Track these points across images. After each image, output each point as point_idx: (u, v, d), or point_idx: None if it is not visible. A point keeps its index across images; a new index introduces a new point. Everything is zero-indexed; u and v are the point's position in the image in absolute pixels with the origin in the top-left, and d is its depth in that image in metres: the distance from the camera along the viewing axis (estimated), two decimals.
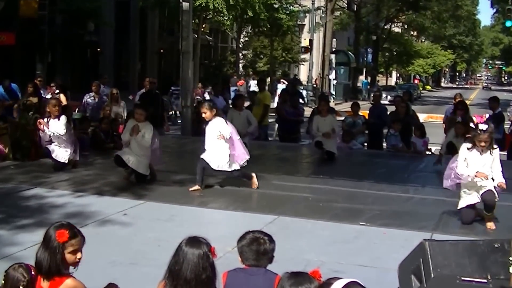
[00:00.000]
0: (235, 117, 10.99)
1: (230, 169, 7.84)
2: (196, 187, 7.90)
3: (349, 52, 45.40)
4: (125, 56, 32.89)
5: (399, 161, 11.25)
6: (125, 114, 12.61)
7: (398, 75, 73.02)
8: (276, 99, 26.10)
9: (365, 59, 51.77)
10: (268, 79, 34.26)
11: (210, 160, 7.81)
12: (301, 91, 21.43)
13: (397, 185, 8.84)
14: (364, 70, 51.65)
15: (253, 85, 32.07)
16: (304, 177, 9.39)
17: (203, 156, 7.91)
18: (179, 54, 15.23)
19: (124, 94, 13.97)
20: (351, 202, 7.72)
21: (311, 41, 35.52)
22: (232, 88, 27.08)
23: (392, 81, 69.04)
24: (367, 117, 13.08)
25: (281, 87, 27.13)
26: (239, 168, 7.94)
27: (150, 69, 33.44)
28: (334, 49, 40.16)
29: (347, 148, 12.13)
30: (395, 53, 56.95)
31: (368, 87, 45.00)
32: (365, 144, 13.05)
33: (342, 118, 13.67)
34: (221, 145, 7.78)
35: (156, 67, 34.90)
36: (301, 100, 15.41)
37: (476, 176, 6.46)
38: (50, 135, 9.02)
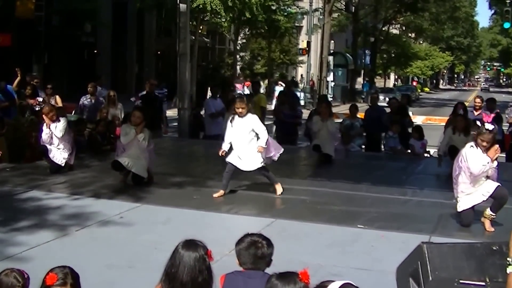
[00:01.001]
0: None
1: (260, 166, 7.77)
2: (221, 192, 7.86)
3: (347, 54, 45.53)
4: (122, 58, 32.90)
5: (397, 163, 11.26)
6: (122, 116, 12.60)
7: (396, 77, 73.11)
8: (274, 101, 26.07)
9: (363, 61, 51.80)
10: (266, 81, 34.31)
11: (239, 163, 7.77)
12: (297, 93, 21.44)
13: (395, 188, 8.84)
14: (362, 72, 51.68)
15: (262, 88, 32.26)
16: (302, 179, 9.39)
17: (230, 159, 7.84)
18: (177, 56, 15.24)
19: (121, 97, 13.95)
20: (349, 204, 7.73)
21: (308, 43, 35.63)
22: (238, 91, 27.10)
23: (390, 83, 69.06)
24: (364, 119, 13.14)
25: (278, 89, 27.13)
26: (266, 167, 7.88)
27: (148, 70, 33.45)
28: (332, 51, 40.27)
29: (345, 150, 12.14)
30: (393, 54, 57.03)
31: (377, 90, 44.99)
32: (363, 146, 13.08)
33: (340, 120, 13.68)
34: (253, 142, 7.78)
35: (154, 68, 34.93)
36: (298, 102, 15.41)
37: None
38: (49, 136, 8.96)
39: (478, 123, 9.25)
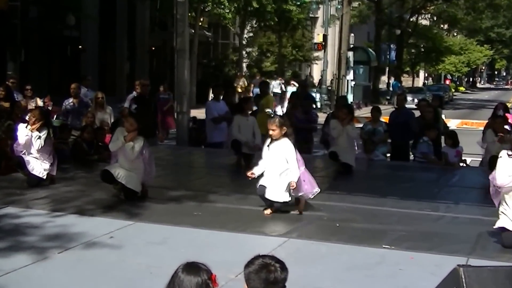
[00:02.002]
0: (243, 125, 11.17)
1: (287, 200, 7.83)
2: (269, 210, 7.88)
3: (369, 49, 45.53)
4: (111, 55, 33.06)
5: (428, 174, 11.26)
6: (111, 121, 12.66)
7: (426, 74, 73.06)
8: (286, 104, 26.13)
9: (388, 56, 51.85)
10: (277, 81, 34.35)
11: (266, 191, 7.78)
12: (313, 94, 21.47)
13: (425, 202, 8.84)
14: (387, 69, 51.68)
15: (276, 86, 32.43)
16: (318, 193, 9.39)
17: (263, 182, 7.83)
18: (173, 53, 15.30)
19: (110, 99, 14.05)
20: (372, 221, 7.73)
21: (325, 37, 35.69)
22: (255, 90, 27.25)
23: (419, 82, 69.06)
24: (388, 124, 13.17)
25: (291, 90, 27.20)
26: (290, 199, 7.91)
27: (140, 69, 33.59)
28: (351, 46, 40.24)
29: (367, 160, 12.14)
30: (422, 49, 57.03)
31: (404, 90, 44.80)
32: (388, 154, 13.10)
33: (361, 125, 13.71)
34: (286, 174, 7.81)
35: (147, 67, 35.05)
36: (313, 105, 15.44)
37: None
38: (28, 138, 8.94)
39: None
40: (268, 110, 8.05)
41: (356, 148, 11.41)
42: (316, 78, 42.71)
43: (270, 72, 38.36)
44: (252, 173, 7.86)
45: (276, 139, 7.83)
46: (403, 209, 8.40)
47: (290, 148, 7.79)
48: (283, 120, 8.09)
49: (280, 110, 8.69)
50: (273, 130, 7.80)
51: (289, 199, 7.86)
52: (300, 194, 7.92)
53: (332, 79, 37.69)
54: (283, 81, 33.14)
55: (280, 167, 7.80)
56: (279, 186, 7.80)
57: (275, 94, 32.75)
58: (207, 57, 39.51)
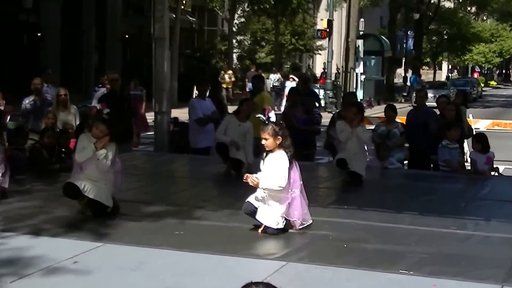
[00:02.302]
0: (232, 128, 11.22)
1: (274, 227, 7.82)
2: (262, 228, 7.89)
3: (382, 37, 45.71)
4: (77, 44, 33.03)
5: (453, 184, 11.29)
6: (77, 123, 12.64)
7: (450, 67, 73.39)
8: (284, 102, 26.27)
9: (405, 45, 52.03)
10: (276, 76, 34.45)
11: (259, 212, 7.79)
12: (315, 90, 21.48)
13: (450, 218, 8.83)
14: (403, 60, 51.82)
15: (275, 80, 32.44)
16: (322, 207, 9.40)
17: (252, 200, 7.86)
18: (151, 41, 15.30)
19: (75, 97, 14.04)
20: (387, 241, 7.72)
21: (330, 22, 35.77)
22: (249, 85, 27.31)
23: (442, 75, 69.33)
24: (405, 125, 13.26)
25: (289, 85, 27.23)
26: (283, 227, 7.89)
27: (111, 61, 33.59)
28: (361, 33, 40.43)
29: (381, 168, 12.15)
30: (445, 36, 57.24)
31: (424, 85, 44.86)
32: (406, 162, 13.14)
33: (373, 127, 13.72)
34: (277, 195, 7.79)
35: (120, 58, 35.07)
36: (316, 104, 15.46)
37: None
38: None
39: None
40: (259, 116, 8.00)
41: (368, 154, 11.42)
42: (318, 71, 42.80)
43: (265, 64, 38.45)
44: (252, 180, 7.76)
45: (270, 151, 7.85)
46: (424, 227, 8.39)
47: (283, 164, 7.73)
48: (279, 128, 7.97)
49: (273, 115, 8.64)
50: (265, 139, 7.82)
51: (276, 228, 7.81)
52: (291, 219, 7.90)
53: (336, 72, 37.75)
54: (281, 75, 33.25)
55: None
56: (268, 210, 7.80)
57: (274, 89, 32.91)
58: (191, 46, 39.63)
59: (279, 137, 7.80)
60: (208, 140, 12.88)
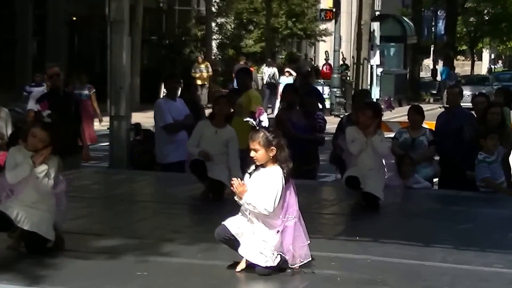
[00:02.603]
0: (208, 137, 11.31)
1: (262, 264, 7.69)
2: (242, 265, 7.78)
3: (405, 19, 45.80)
4: (8, 28, 32.90)
5: (496, 209, 11.31)
6: (9, 132, 12.59)
7: (493, 56, 73.52)
8: (277, 103, 26.23)
9: (434, 29, 52.08)
10: (268, 70, 34.46)
11: (242, 246, 7.66)
12: (318, 87, 21.53)
13: (493, 253, 8.84)
14: (432, 49, 51.90)
15: (269, 74, 32.36)
16: (327, 239, 9.41)
17: (230, 223, 7.75)
18: (106, 25, 15.27)
19: (5, 98, 13.95)
20: (413, 283, 7.72)
21: (337, 1, 35.80)
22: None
23: (483, 67, 69.55)
24: (435, 131, 13.29)
25: (285, 81, 27.25)
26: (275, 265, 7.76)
27: (54, 50, 33.42)
28: (378, 14, 40.48)
29: (403, 188, 12.17)
30: (486, 17, 57.30)
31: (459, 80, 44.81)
32: (435, 179, 13.20)
33: (393, 134, 13.78)
34: (267, 223, 7.70)
35: (66, 47, 34.93)
36: (319, 105, 15.48)
37: None
38: None
39: None
40: (248, 119, 7.91)
41: (386, 170, 11.43)
42: (322, 63, 42.83)
43: (254, 54, 38.40)
44: (238, 185, 7.64)
45: (261, 166, 7.72)
46: (460, 265, 8.37)
47: (274, 183, 7.57)
48: (273, 136, 7.79)
49: (266, 119, 8.57)
50: (255, 150, 7.69)
51: (274, 263, 7.70)
52: (285, 252, 7.76)
53: (342, 64, 37.57)
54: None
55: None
56: (254, 240, 7.67)
57: (269, 87, 32.81)
58: (158, 32, 39.56)
59: (273, 147, 7.61)
60: (179, 152, 12.91)
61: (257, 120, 7.78)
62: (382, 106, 11.87)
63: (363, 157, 10.84)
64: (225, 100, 11.95)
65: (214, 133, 11.25)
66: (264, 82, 33.43)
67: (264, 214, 7.55)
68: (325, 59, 40.11)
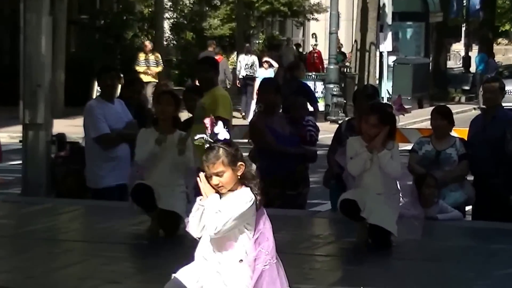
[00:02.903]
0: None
1: None
2: None
3: None
4: None
5: None
6: None
7: None
8: (253, 104, 26.29)
9: (465, 3, 52.28)
10: (245, 59, 34.47)
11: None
12: (309, 83, 21.61)
13: None
14: (463, 29, 52.10)
15: (247, 64, 32.33)
16: (321, 287, 9.45)
17: (182, 276, 7.74)
18: (17, 2, 15.26)
19: None
20: None
21: None
22: None
23: None
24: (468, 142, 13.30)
25: (263, 75, 27.28)
26: None
27: None
28: None
29: (424, 219, 12.11)
30: None
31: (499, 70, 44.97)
32: (468, 207, 13.28)
33: (411, 146, 13.84)
34: (234, 257, 7.66)
35: None
36: (309, 107, 15.50)
37: None
38: None
39: None
40: (199, 137, 7.90)
41: (401, 196, 11.41)
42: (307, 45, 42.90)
43: (221, 38, 38.46)
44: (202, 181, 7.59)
45: (230, 190, 7.59)
46: None
47: (239, 203, 7.48)
48: (235, 149, 7.67)
49: (223, 130, 8.57)
50: (218, 175, 7.61)
51: None
52: None
53: (338, 52, 37.55)
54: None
55: (224, 251, 7.63)
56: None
57: (246, 81, 32.71)
58: (90, 9, 39.56)
59: (240, 163, 7.52)
60: (118, 174, 13.00)
61: (211, 133, 7.71)
62: (394, 108, 11.76)
63: (368, 178, 10.82)
64: (169, 97, 11.87)
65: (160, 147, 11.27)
66: (240, 76, 33.30)
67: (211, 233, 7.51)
68: (313, 45, 40.17)
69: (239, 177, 7.54)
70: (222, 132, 7.75)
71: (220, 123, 7.95)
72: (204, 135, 7.73)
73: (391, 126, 11.08)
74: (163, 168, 11.18)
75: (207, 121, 7.86)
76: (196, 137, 7.86)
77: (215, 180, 7.50)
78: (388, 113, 11.36)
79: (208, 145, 7.54)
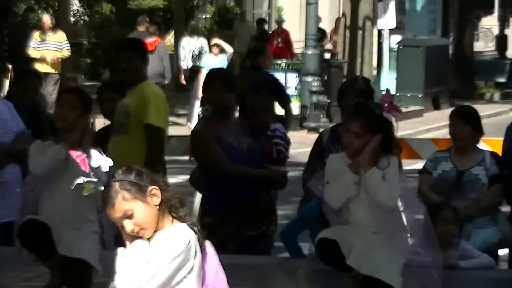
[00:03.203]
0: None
1: None
2: None
3: None
4: None
5: None
6: None
7: None
8: (196, 106, 26.51)
9: None
10: (189, 42, 34.65)
11: None
12: (278, 76, 21.70)
13: None
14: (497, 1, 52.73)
15: (188, 48, 32.58)
16: None
17: None
18: None
19: None
20: None
21: None
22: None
23: None
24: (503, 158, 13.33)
25: (211, 64, 27.47)
26: None
27: None
28: None
29: (442, 267, 11.90)
30: None
31: None
32: (502, 251, 13.40)
33: (422, 164, 13.86)
34: None
35: None
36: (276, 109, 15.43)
37: None
38: None
39: None
40: (78, 183, 7.77)
41: (409, 235, 11.15)
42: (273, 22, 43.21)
43: (153, 12, 38.69)
44: None
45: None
46: None
47: (172, 246, 7.51)
48: (137, 171, 7.74)
49: (102, 160, 8.36)
50: (126, 217, 7.49)
51: None
52: None
53: (320, 33, 37.61)
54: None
55: None
56: None
57: (191, 72, 32.95)
58: None
59: (151, 187, 7.55)
60: (5, 206, 12.95)
61: (87, 172, 7.68)
62: (383, 110, 11.48)
63: (357, 212, 10.61)
64: (73, 97, 11.63)
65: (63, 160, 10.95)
66: (185, 66, 33.67)
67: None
68: (276, 20, 40.47)
69: (158, 207, 7.56)
70: (102, 162, 7.79)
71: (93, 152, 7.91)
72: (82, 179, 7.75)
73: (384, 135, 10.83)
74: (64, 196, 10.85)
75: (76, 154, 7.80)
76: (74, 187, 7.83)
77: (127, 226, 7.53)
78: (377, 117, 11.13)
79: (103, 187, 7.62)
